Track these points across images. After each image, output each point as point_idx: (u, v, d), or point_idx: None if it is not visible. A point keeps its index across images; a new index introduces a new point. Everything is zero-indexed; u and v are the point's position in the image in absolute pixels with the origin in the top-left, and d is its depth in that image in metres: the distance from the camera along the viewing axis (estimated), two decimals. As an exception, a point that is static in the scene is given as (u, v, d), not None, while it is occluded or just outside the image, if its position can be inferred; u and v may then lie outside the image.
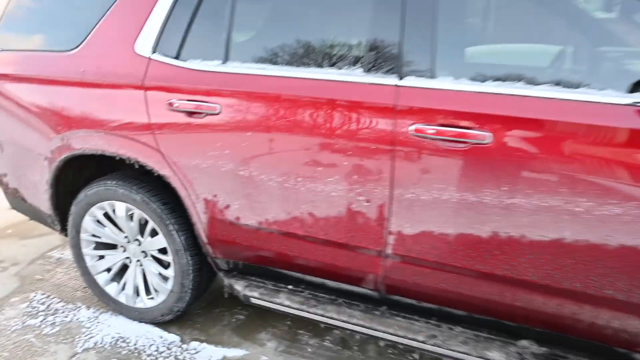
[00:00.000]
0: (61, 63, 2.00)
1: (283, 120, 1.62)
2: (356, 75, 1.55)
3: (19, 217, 2.83)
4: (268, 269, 1.95)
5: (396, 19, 1.49)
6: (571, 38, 1.65)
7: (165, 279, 2.13)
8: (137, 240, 2.14)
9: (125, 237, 2.15)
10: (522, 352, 1.56)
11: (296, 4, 1.75)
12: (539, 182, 1.35)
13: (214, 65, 1.74)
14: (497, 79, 1.41)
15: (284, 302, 1.86)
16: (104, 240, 2.21)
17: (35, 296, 2.49)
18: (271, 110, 1.63)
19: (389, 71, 1.51)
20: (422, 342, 1.65)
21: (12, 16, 2.22)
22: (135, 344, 2.13)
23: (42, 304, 2.43)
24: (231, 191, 1.79)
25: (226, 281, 2.01)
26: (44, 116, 2.06)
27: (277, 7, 1.83)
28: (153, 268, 2.14)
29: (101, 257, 2.27)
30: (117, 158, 1.97)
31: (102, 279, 2.28)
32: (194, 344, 2.13)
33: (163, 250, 2.09)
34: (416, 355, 2.05)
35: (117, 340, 2.16)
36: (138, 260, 2.18)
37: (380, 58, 1.53)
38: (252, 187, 1.74)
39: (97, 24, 1.94)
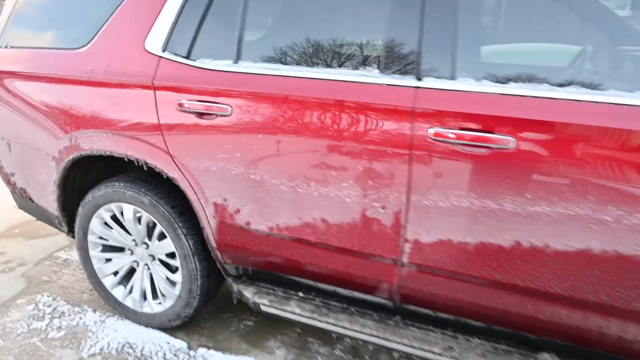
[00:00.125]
0: (69, 61, 1.96)
1: (295, 122, 1.57)
2: (372, 76, 1.50)
3: (27, 216, 2.81)
4: (278, 275, 1.90)
5: (415, 17, 1.43)
6: (597, 37, 1.59)
7: (172, 283, 2.09)
8: (144, 243, 2.09)
9: (133, 240, 2.11)
10: (543, 366, 1.50)
11: (310, 2, 1.69)
12: (565, 190, 1.28)
13: (225, 65, 1.69)
14: (520, 80, 1.35)
15: (295, 310, 1.81)
16: (111, 242, 2.17)
17: (41, 298, 2.46)
18: (283, 111, 1.58)
19: (407, 72, 1.46)
20: (439, 354, 1.59)
21: (21, 13, 2.19)
22: (141, 350, 2.08)
23: (49, 306, 2.40)
24: (241, 195, 1.74)
25: (235, 287, 1.96)
26: (52, 115, 2.02)
27: (290, 6, 1.78)
28: (161, 272, 2.09)
29: (108, 260, 2.23)
30: (126, 159, 1.93)
31: (109, 282, 2.24)
32: (202, 350, 2.08)
33: (171, 255, 2.04)
34: (430, 366, 1.98)
35: (124, 345, 2.11)
36: (145, 264, 2.13)
37: (397, 58, 1.47)
38: (263, 192, 1.69)
39: (106, 21, 1.90)
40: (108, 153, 1.93)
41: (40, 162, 2.15)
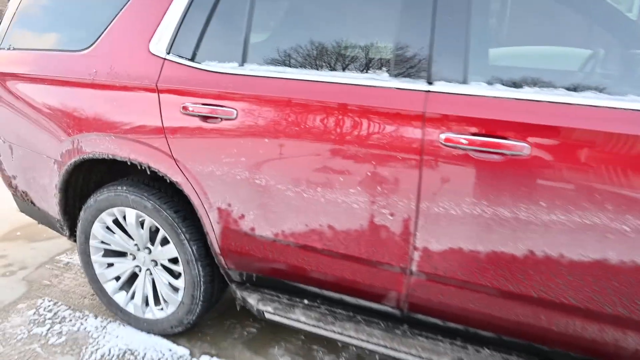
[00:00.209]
0: (72, 63, 1.93)
1: (302, 126, 1.53)
2: (381, 79, 1.46)
3: (29, 218, 2.78)
4: (283, 282, 1.86)
5: (426, 19, 1.40)
6: (612, 40, 1.55)
7: (175, 289, 2.05)
8: (147, 248, 2.06)
9: (135, 245, 2.07)
10: (556, 380, 1.45)
11: (318, 4, 1.66)
12: (582, 198, 1.24)
13: (231, 68, 1.66)
14: (535, 84, 1.31)
15: (300, 318, 1.77)
16: (113, 247, 2.13)
17: (42, 303, 2.43)
18: (290, 115, 1.55)
19: (417, 75, 1.42)
20: (448, 365, 1.55)
21: (24, 14, 2.17)
22: (143, 357, 2.04)
23: (49, 311, 2.36)
24: (246, 200, 1.70)
25: (239, 294, 1.92)
26: (54, 118, 1.99)
27: (297, 7, 1.74)
28: (163, 278, 2.05)
29: (110, 264, 2.19)
30: (129, 163, 1.89)
31: (110, 287, 2.20)
32: (205, 358, 2.04)
33: (174, 260, 2.00)
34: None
35: (125, 352, 2.07)
36: (148, 269, 2.10)
37: (407, 61, 1.44)
38: (268, 197, 1.65)
39: (110, 23, 1.87)
40: (111, 156, 1.89)
41: (42, 165, 2.12)
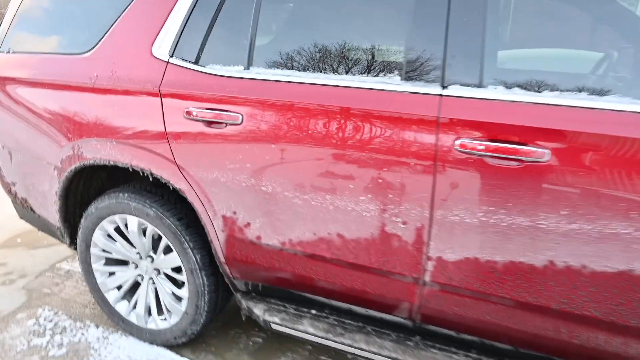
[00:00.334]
0: (73, 67, 1.88)
1: (310, 132, 1.48)
2: (393, 83, 1.40)
3: (29, 225, 2.73)
4: (290, 291, 1.80)
5: (440, 20, 1.34)
6: (628, 42, 1.49)
7: (178, 299, 1.99)
8: (149, 257, 2.00)
9: (137, 253, 2.02)
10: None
11: (327, 6, 1.60)
12: (606, 206, 1.18)
13: (236, 71, 1.61)
14: (556, 88, 1.25)
15: (308, 329, 1.71)
16: (114, 256, 2.08)
17: (42, 312, 2.37)
18: (297, 121, 1.49)
19: (431, 79, 1.36)
20: (463, 379, 1.49)
21: (24, 17, 2.11)
22: (146, 369, 1.99)
23: (50, 321, 2.31)
24: (252, 208, 1.65)
25: (244, 304, 1.86)
26: (54, 123, 1.94)
27: (305, 9, 1.69)
28: (166, 287, 2.00)
29: (111, 273, 2.14)
30: (131, 169, 1.84)
31: (112, 296, 2.15)
32: (209, 369, 1.98)
33: (177, 269, 1.95)
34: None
35: (127, 363, 2.02)
36: (150, 278, 2.04)
37: (420, 64, 1.38)
38: (275, 205, 1.60)
39: (111, 25, 1.82)
40: (112, 163, 1.84)
41: (42, 172, 2.07)
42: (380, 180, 1.42)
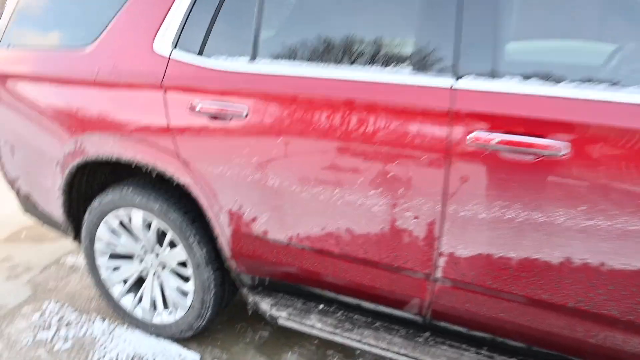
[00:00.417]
0: (74, 61, 1.84)
1: (317, 125, 1.43)
2: (404, 74, 1.36)
3: (34, 219, 2.70)
4: (297, 286, 1.77)
5: (452, 9, 1.29)
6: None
7: (184, 293, 1.97)
8: (154, 251, 1.98)
9: (142, 247, 1.99)
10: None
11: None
12: (626, 202, 1.14)
13: (241, 63, 1.56)
14: (573, 80, 1.20)
15: (316, 324, 1.69)
16: (119, 250, 2.06)
17: (47, 306, 2.36)
18: (304, 114, 1.45)
19: (443, 70, 1.31)
20: (474, 376, 1.46)
21: (24, 11, 2.07)
22: (152, 364, 1.98)
23: (55, 314, 2.30)
24: (258, 203, 1.61)
25: (251, 298, 1.84)
26: (56, 118, 1.90)
27: (311, -2, 1.64)
28: (171, 281, 1.98)
29: (116, 268, 2.12)
30: (134, 164, 1.81)
31: (117, 291, 2.13)
32: (216, 364, 1.97)
33: (182, 263, 1.92)
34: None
35: (133, 358, 2.01)
36: (155, 273, 2.02)
37: (432, 55, 1.33)
38: (282, 199, 1.56)
39: (112, 18, 1.77)
40: (115, 158, 1.80)
41: (45, 167, 2.04)
42: (390, 174, 1.38)
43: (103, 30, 1.78)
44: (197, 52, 1.62)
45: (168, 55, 1.65)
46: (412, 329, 1.63)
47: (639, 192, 1.13)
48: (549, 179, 1.20)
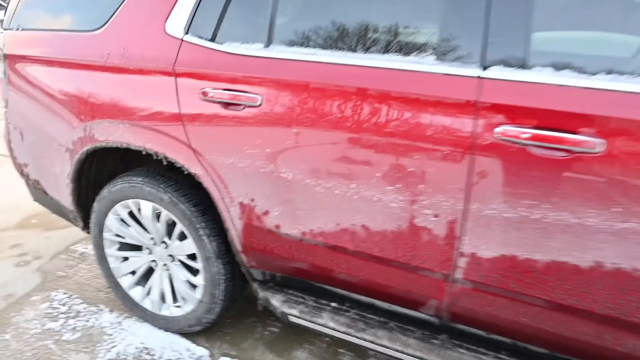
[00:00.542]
0: (84, 44, 1.79)
1: (333, 116, 1.37)
2: (427, 63, 1.28)
3: (43, 207, 2.68)
4: (309, 283, 1.72)
5: (481, -6, 1.21)
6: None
7: (193, 286, 1.93)
8: (163, 242, 1.93)
9: (152, 238, 1.95)
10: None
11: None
12: (666, 204, 1.06)
13: (255, 49, 1.50)
14: (612, 71, 1.12)
15: (328, 323, 1.63)
16: (128, 240, 2.01)
17: (56, 295, 2.33)
18: (320, 103, 1.38)
19: (469, 59, 1.24)
20: (493, 382, 1.40)
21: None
22: (160, 357, 1.94)
23: (64, 304, 2.27)
24: (271, 195, 1.55)
25: (261, 294, 1.79)
26: (65, 103, 1.86)
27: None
28: (181, 274, 1.93)
29: (125, 258, 2.08)
30: (144, 152, 1.76)
31: (126, 282, 2.10)
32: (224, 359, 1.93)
33: (192, 256, 1.88)
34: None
35: (141, 351, 1.97)
36: (165, 265, 1.98)
37: (457, 43, 1.25)
38: (295, 192, 1.50)
39: (123, 0, 1.71)
40: (125, 145, 1.76)
41: (54, 153, 2.00)
42: (409, 169, 1.31)
43: (113, 14, 1.72)
44: (210, 38, 1.56)
45: (180, 40, 1.59)
46: (427, 330, 1.57)
47: (681, 193, 1.04)
48: (581, 178, 1.13)
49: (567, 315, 1.26)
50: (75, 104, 1.83)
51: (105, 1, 1.79)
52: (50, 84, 1.89)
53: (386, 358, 1.91)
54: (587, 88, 1.11)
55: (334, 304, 1.70)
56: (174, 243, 1.89)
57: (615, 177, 1.09)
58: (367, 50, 1.37)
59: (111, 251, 2.06)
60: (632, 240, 1.11)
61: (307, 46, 1.45)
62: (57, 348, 1.99)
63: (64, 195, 2.07)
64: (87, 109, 1.80)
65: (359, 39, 1.39)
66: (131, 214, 1.96)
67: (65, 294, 2.35)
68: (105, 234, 2.03)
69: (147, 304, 2.07)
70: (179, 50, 1.59)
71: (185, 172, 1.75)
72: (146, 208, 1.87)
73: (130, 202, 1.89)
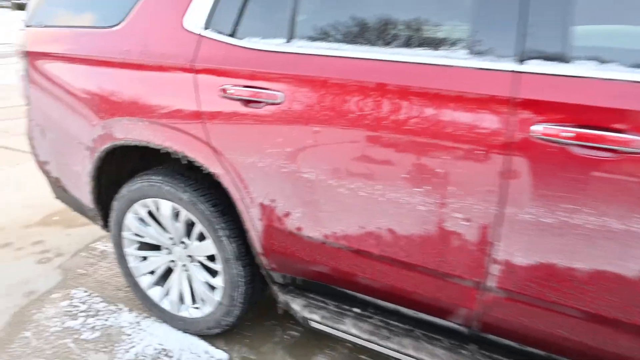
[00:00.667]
0: (103, 41, 1.76)
1: (357, 114, 1.30)
2: (458, 58, 1.20)
3: (64, 205, 2.69)
4: (330, 287, 1.65)
5: (520, -18, 1.13)
6: None
7: (212, 288, 1.89)
8: (182, 242, 1.90)
9: (170, 238, 1.92)
10: None
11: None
12: None
13: (276, 45, 1.44)
14: (663, 65, 1.02)
15: (351, 329, 1.56)
16: (147, 240, 1.99)
17: (76, 293, 2.33)
18: (343, 100, 1.32)
19: (504, 53, 1.15)
20: (527, 397, 1.31)
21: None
22: (178, 359, 1.90)
23: (83, 303, 2.26)
24: (293, 196, 1.50)
25: (281, 297, 1.73)
26: (85, 101, 1.83)
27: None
28: (199, 275, 1.89)
29: (144, 258, 2.05)
30: (163, 151, 1.72)
31: (145, 281, 2.07)
32: (243, 364, 1.88)
33: (211, 257, 1.84)
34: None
35: (159, 352, 1.94)
36: (184, 265, 1.94)
37: (491, 35, 1.17)
38: (318, 193, 1.44)
39: (143, -5, 1.68)
40: (144, 143, 1.72)
41: (74, 151, 1.98)
42: (439, 170, 1.23)
43: (132, 9, 1.69)
44: (229, 33, 1.51)
45: (199, 36, 1.54)
46: (455, 340, 1.49)
47: None
48: (629, 181, 1.03)
49: (611, 329, 1.17)
50: (94, 101, 1.80)
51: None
52: (70, 81, 1.87)
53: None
54: (636, 82, 1.02)
55: (356, 310, 1.63)
56: (193, 243, 1.85)
57: (668, 180, 1.00)
58: (393, 45, 1.30)
59: (130, 250, 2.04)
60: (686, 250, 1.02)
61: (331, 41, 1.38)
62: (76, 347, 1.98)
63: (84, 193, 2.06)
64: (106, 106, 1.77)
65: (385, 34, 1.32)
66: (150, 213, 1.93)
67: (85, 292, 2.34)
68: (125, 233, 2.01)
69: (165, 305, 2.04)
70: (198, 46, 1.54)
71: (205, 172, 1.70)
72: (165, 207, 1.83)
73: (149, 201, 1.86)
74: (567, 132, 1.07)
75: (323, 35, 1.40)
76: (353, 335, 1.56)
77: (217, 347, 1.97)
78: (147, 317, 2.15)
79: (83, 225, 3.02)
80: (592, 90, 1.05)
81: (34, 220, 3.09)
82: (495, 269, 1.25)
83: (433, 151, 1.22)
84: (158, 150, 1.77)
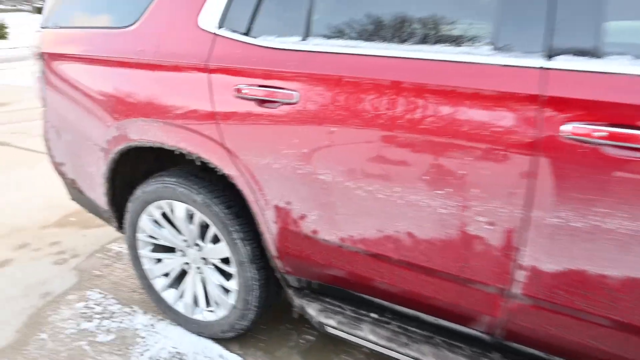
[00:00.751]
0: (117, 41, 1.74)
1: (377, 113, 1.25)
2: (482, 54, 1.15)
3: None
4: (347, 291, 1.61)
5: (548, -26, 1.07)
6: None
7: (227, 291, 1.86)
8: (197, 245, 1.87)
9: (185, 240, 1.89)
10: None
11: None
12: None
13: (291, 43, 1.40)
14: None
15: (368, 335, 1.52)
16: (161, 242, 1.97)
17: (91, 295, 2.32)
18: (360, 99, 1.27)
19: (531, 48, 1.10)
20: (554, 410, 1.25)
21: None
22: (192, 363, 1.88)
23: (99, 304, 2.26)
24: (308, 198, 1.46)
25: (296, 301, 1.69)
26: (99, 102, 1.82)
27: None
28: (214, 278, 1.87)
29: (158, 260, 2.04)
30: (177, 152, 1.70)
31: (159, 284, 2.05)
32: (258, 368, 1.85)
33: (225, 260, 1.81)
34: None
35: (174, 355, 1.92)
36: (198, 268, 1.92)
37: (517, 30, 1.12)
38: (335, 196, 1.40)
39: (157, -6, 1.66)
40: (158, 144, 1.70)
41: (89, 152, 1.98)
42: (461, 172, 1.18)
43: (146, 9, 1.67)
44: (244, 31, 1.48)
45: (213, 35, 1.51)
46: (477, 347, 1.43)
47: None
48: (667, 183, 0.97)
49: (645, 340, 1.10)
50: (109, 102, 1.79)
51: (139, -4, 1.74)
52: (84, 82, 1.86)
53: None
54: (676, 79, 0.95)
55: (374, 315, 1.58)
56: (207, 246, 1.82)
57: None
58: (413, 42, 1.25)
59: (145, 252, 2.02)
60: None
61: (348, 38, 1.34)
62: (91, 349, 1.97)
63: (99, 195, 2.05)
64: (121, 107, 1.75)
65: (404, 31, 1.27)
66: (164, 215, 1.91)
67: (100, 293, 2.34)
68: (139, 235, 1.99)
69: (180, 307, 2.02)
70: (212, 45, 1.51)
71: (219, 173, 1.67)
72: (179, 209, 1.81)
73: (163, 202, 1.84)
74: (599, 131, 1.01)
75: (340, 33, 1.36)
76: (370, 342, 1.51)
77: (232, 351, 1.94)
78: (162, 319, 2.14)
79: (99, 227, 3.02)
80: (627, 87, 0.99)
81: (51, 221, 3.11)
82: (521, 275, 1.19)
83: (455, 152, 1.17)
84: (172, 151, 1.74)
